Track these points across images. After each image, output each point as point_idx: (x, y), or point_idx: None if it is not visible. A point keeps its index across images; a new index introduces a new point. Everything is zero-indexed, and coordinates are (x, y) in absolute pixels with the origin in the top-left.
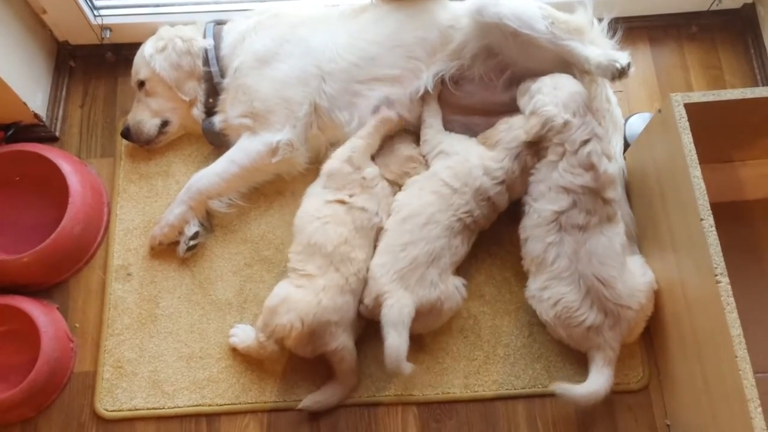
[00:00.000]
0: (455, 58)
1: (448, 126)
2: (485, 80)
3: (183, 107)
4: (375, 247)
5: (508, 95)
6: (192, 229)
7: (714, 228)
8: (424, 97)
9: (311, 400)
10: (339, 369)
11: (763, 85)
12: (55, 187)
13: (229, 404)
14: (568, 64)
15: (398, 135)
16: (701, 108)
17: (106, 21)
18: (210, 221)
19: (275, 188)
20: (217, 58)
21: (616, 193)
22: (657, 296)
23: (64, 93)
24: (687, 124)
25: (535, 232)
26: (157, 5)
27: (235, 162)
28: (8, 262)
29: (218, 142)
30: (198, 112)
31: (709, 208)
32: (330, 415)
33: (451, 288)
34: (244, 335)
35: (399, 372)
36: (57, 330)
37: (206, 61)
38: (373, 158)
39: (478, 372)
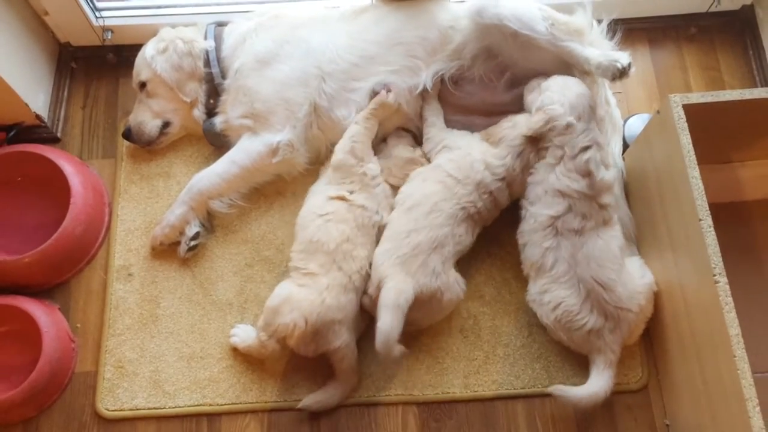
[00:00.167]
0: (455, 59)
1: (449, 126)
2: (485, 81)
3: (184, 108)
4: (377, 244)
5: (508, 96)
6: (193, 229)
7: (712, 228)
8: (425, 96)
9: (312, 399)
10: (340, 368)
11: (762, 87)
12: (57, 188)
13: (229, 404)
14: (568, 65)
15: (397, 137)
16: (700, 109)
17: (108, 22)
18: (211, 222)
19: (276, 189)
20: (218, 60)
21: (611, 199)
22: (656, 296)
23: (65, 94)
24: (686, 124)
25: (533, 237)
26: (159, 7)
27: (236, 162)
28: (10, 263)
29: (219, 143)
30: (199, 113)
31: (707, 208)
32: (330, 415)
33: (452, 280)
34: (245, 335)
35: (389, 354)
36: (58, 330)
37: (207, 63)
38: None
39: (477, 372)
